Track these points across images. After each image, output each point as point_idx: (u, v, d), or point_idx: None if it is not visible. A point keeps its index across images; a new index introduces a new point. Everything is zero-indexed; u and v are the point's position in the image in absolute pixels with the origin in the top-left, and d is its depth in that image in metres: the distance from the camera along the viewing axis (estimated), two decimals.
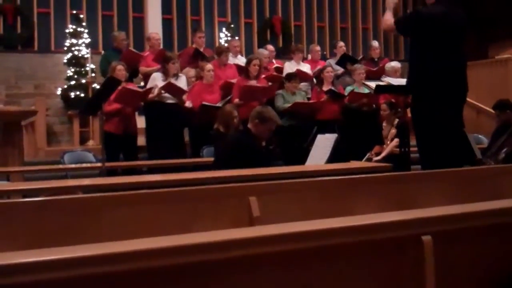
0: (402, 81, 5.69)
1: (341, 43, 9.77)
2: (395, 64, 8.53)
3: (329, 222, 1.89)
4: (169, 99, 7.34)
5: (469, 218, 2.10)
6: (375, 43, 9.89)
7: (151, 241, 1.68)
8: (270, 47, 9.65)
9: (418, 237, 1.92)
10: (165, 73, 7.33)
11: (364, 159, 7.43)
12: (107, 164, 5.74)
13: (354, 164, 5.23)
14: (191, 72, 8.10)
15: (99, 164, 5.81)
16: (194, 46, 8.78)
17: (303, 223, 1.90)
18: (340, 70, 8.97)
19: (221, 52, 8.45)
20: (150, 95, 7.22)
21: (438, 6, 4.86)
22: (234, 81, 7.98)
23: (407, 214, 2.04)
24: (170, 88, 7.21)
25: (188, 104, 7.51)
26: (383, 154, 7.47)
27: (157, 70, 7.60)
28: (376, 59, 9.47)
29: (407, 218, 1.96)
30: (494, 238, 2.18)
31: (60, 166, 6.28)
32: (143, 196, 2.67)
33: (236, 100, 7.55)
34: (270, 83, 8.18)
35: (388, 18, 5.10)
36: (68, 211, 2.49)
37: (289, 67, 8.99)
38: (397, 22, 5.02)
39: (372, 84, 5.86)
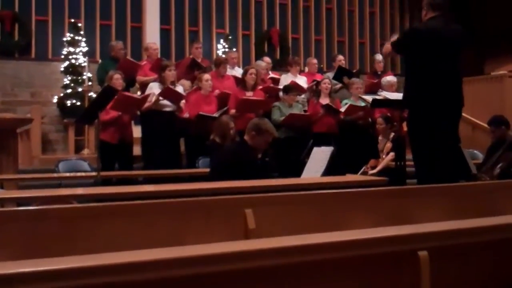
0: (399, 96, 5.70)
1: (340, 57, 9.81)
2: (391, 78, 8.57)
3: (325, 237, 1.88)
4: (166, 107, 7.32)
5: (465, 234, 2.09)
6: (379, 57, 9.92)
7: (145, 253, 1.66)
8: (267, 59, 9.67)
9: (414, 252, 1.91)
10: (162, 82, 7.32)
11: (360, 172, 7.43)
12: (102, 173, 5.70)
13: (349, 177, 5.22)
14: (187, 83, 8.09)
15: (94, 173, 5.79)
16: (191, 56, 8.78)
17: (298, 237, 1.89)
18: (338, 84, 8.98)
19: (220, 63, 8.45)
20: (147, 104, 7.20)
21: (434, 21, 4.89)
22: (230, 92, 7.99)
23: (404, 229, 2.04)
24: (168, 93, 7.19)
25: (185, 114, 7.50)
26: (378, 168, 7.46)
27: (154, 80, 7.58)
28: (379, 73, 9.51)
29: (404, 233, 1.96)
30: (489, 254, 2.18)
31: (55, 174, 6.24)
32: (137, 207, 2.65)
33: (233, 111, 7.54)
34: (266, 95, 8.18)
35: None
36: (61, 221, 2.47)
37: (286, 79, 9.00)
38: (394, 43, 5.06)
39: (369, 98, 5.87)
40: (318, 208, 2.99)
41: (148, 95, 7.20)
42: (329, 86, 8.41)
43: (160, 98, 7.19)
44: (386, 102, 5.87)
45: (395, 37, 5.22)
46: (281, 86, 8.57)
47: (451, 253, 2.06)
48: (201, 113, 7.37)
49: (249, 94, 7.82)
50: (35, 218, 2.44)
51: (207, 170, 5.82)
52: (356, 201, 3.19)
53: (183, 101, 7.49)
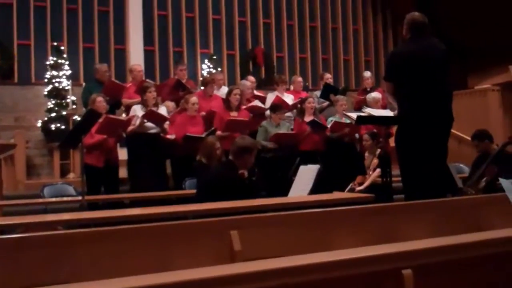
0: (383, 112, 5.75)
1: (328, 75, 9.91)
2: (376, 95, 8.64)
3: (310, 258, 1.88)
4: (151, 129, 7.32)
5: (449, 251, 2.11)
6: (367, 74, 10.04)
7: (131, 280, 1.66)
8: (251, 78, 9.69)
9: (398, 271, 1.92)
10: (145, 104, 7.33)
11: (347, 189, 7.45)
12: (87, 197, 5.68)
13: (336, 195, 5.24)
14: (171, 105, 8.09)
15: (79, 198, 5.75)
16: (176, 77, 8.80)
17: (282, 259, 1.89)
18: (326, 102, 9.02)
19: (207, 83, 8.49)
20: (131, 127, 7.20)
21: (414, 41, 4.97)
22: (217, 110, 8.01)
23: (387, 248, 2.05)
24: (151, 116, 7.20)
25: (170, 136, 7.49)
26: (365, 184, 7.50)
27: (138, 102, 7.57)
28: (368, 89, 9.58)
29: (387, 252, 1.97)
30: (475, 271, 2.19)
31: (40, 200, 6.20)
32: (121, 232, 2.65)
33: (219, 133, 7.54)
34: (251, 115, 8.20)
35: None
36: (45, 248, 2.45)
37: (272, 98, 9.03)
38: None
39: (354, 115, 5.90)
40: (304, 228, 3.00)
41: (132, 117, 7.20)
42: (314, 105, 8.45)
43: (144, 120, 7.19)
44: (371, 119, 5.90)
45: None
46: (267, 105, 8.59)
47: (436, 271, 2.07)
48: (188, 134, 7.38)
49: (234, 114, 7.84)
50: (16, 247, 2.41)
51: (194, 191, 5.81)
52: (342, 219, 3.20)
53: (167, 122, 7.49)
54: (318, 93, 9.31)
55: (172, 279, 1.71)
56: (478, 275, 2.19)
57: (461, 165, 8.83)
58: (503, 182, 3.27)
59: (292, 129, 8.45)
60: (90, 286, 1.71)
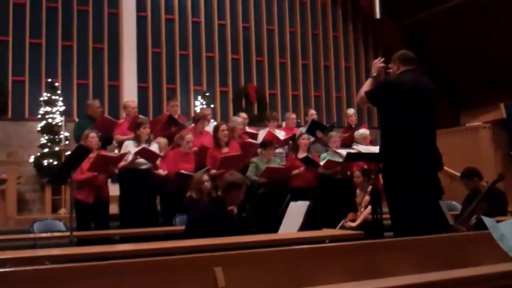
0: (372, 149, 5.77)
1: (312, 111, 9.94)
2: (364, 131, 8.70)
3: None
4: (143, 165, 7.32)
5: (432, 287, 2.10)
6: (351, 111, 10.08)
7: None
8: (243, 114, 9.73)
9: None
10: (137, 140, 7.35)
11: (339, 226, 7.43)
12: (76, 233, 5.65)
13: (326, 231, 5.22)
14: (163, 141, 8.11)
15: (67, 233, 5.72)
16: (167, 113, 8.85)
17: None
18: (311, 138, 9.03)
19: (198, 119, 8.54)
20: (123, 163, 7.21)
21: (406, 75, 4.99)
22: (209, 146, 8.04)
23: (370, 284, 2.05)
24: (144, 153, 7.22)
25: (162, 172, 7.50)
26: (357, 222, 7.47)
27: (131, 138, 7.58)
28: (353, 126, 9.63)
29: None
30: None
31: (29, 235, 6.16)
32: (107, 267, 2.64)
33: (214, 171, 7.52)
34: (244, 151, 8.22)
35: (363, 90, 5.22)
36: (34, 282, 2.44)
37: (263, 135, 9.06)
38: (369, 93, 5.12)
39: (343, 152, 5.92)
40: (290, 265, 2.98)
41: (124, 154, 7.21)
42: (307, 141, 8.47)
43: (137, 156, 7.20)
44: (360, 156, 5.92)
45: (366, 87, 5.26)
46: (259, 142, 8.62)
47: None
48: (181, 171, 7.38)
49: (225, 151, 7.85)
50: (5, 281, 2.40)
51: (184, 227, 5.79)
52: (329, 256, 3.18)
53: (159, 159, 7.50)
54: (303, 129, 9.32)
55: None
56: None
57: (453, 202, 8.82)
58: (486, 220, 3.27)
59: (283, 165, 8.45)
60: None
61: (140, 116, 8.61)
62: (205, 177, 6.52)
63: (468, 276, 2.28)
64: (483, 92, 12.63)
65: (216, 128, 8.07)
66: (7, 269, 2.64)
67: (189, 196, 6.50)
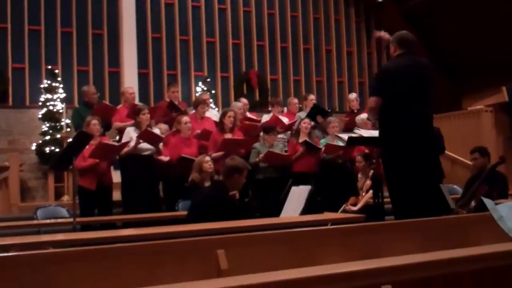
0: (374, 133, 5.81)
1: (312, 96, 9.95)
2: (365, 116, 8.69)
3: (287, 273, 1.93)
4: (145, 151, 7.37)
5: (430, 267, 2.15)
6: (352, 96, 10.09)
7: None
8: (244, 100, 9.76)
9: (378, 286, 1.97)
10: (138, 126, 7.40)
11: (340, 210, 7.50)
12: (79, 219, 5.72)
13: (327, 215, 5.28)
14: (163, 127, 8.15)
15: (70, 220, 5.79)
16: (168, 99, 8.88)
17: (261, 275, 1.94)
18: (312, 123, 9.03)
19: (198, 104, 8.56)
20: (126, 149, 7.25)
21: (403, 58, 5.04)
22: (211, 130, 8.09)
23: (367, 263, 2.10)
24: (146, 135, 7.25)
25: (164, 158, 7.54)
26: (359, 206, 7.55)
27: (131, 125, 7.61)
28: (355, 111, 9.64)
29: (367, 267, 2.02)
30: (453, 287, 2.23)
31: (32, 222, 6.24)
32: (110, 250, 2.69)
33: (214, 154, 7.56)
34: (246, 136, 8.26)
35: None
36: (37, 265, 2.49)
37: (267, 119, 9.10)
38: (370, 91, 5.21)
39: (345, 136, 5.98)
40: (291, 247, 3.04)
41: (126, 143, 7.24)
42: (309, 126, 8.49)
43: (140, 141, 7.23)
44: (362, 140, 5.97)
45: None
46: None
47: (415, 286, 2.11)
48: (183, 155, 7.42)
49: (228, 136, 7.89)
50: (11, 265, 2.45)
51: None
52: (330, 238, 3.24)
53: (162, 143, 7.54)
54: (302, 114, 9.35)
55: None
56: None
57: (454, 186, 8.86)
58: (486, 201, 3.32)
59: (286, 151, 8.50)
60: None
61: (139, 103, 8.64)
62: (207, 158, 6.57)
63: (468, 256, 2.32)
64: (485, 75, 12.61)
65: (223, 113, 8.12)
66: (12, 254, 2.70)
67: (192, 180, 6.54)
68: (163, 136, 7.64)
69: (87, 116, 7.51)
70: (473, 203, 5.91)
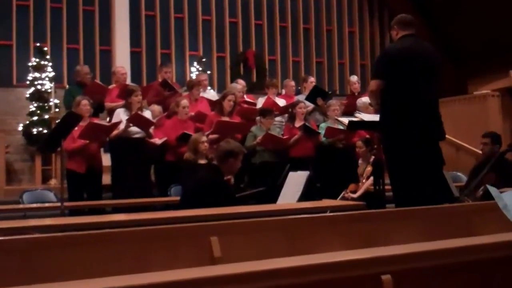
0: (375, 117, 5.79)
1: (312, 78, 9.92)
2: (366, 99, 8.66)
3: (284, 261, 1.93)
4: (136, 134, 7.35)
5: (430, 256, 2.15)
6: (354, 78, 10.09)
7: (109, 280, 1.71)
8: (242, 81, 9.72)
9: (377, 276, 1.97)
10: (128, 108, 7.36)
11: (339, 197, 7.50)
12: (67, 203, 5.70)
13: (325, 202, 5.29)
14: (157, 109, 8.12)
15: (58, 204, 5.78)
16: (161, 80, 8.85)
17: (257, 262, 1.94)
18: (310, 106, 9.04)
19: (192, 85, 8.53)
20: (116, 131, 7.23)
21: (406, 40, 5.03)
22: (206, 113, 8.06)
23: (366, 252, 2.10)
24: (137, 119, 7.23)
25: (157, 140, 7.51)
26: (358, 193, 7.56)
27: (122, 106, 7.59)
28: (356, 94, 9.63)
29: (366, 257, 2.02)
30: (456, 277, 2.24)
31: (18, 206, 6.23)
32: (100, 236, 2.69)
33: (212, 136, 7.53)
34: (243, 119, 8.24)
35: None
36: (24, 251, 2.49)
37: (262, 102, 9.08)
38: (372, 74, 5.19)
39: (345, 120, 5.96)
40: (287, 235, 3.04)
41: (117, 123, 7.22)
42: (305, 110, 8.48)
43: (130, 124, 7.21)
44: (363, 124, 5.96)
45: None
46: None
47: (416, 277, 2.11)
48: (185, 132, 7.38)
49: (226, 119, 7.86)
50: None
51: (179, 198, 5.85)
52: (329, 226, 3.24)
53: (153, 127, 7.52)
54: (301, 97, 9.32)
55: (148, 281, 1.76)
56: (460, 282, 2.24)
57: (458, 173, 8.87)
58: (491, 189, 3.32)
59: (282, 135, 8.49)
60: (67, 286, 1.75)
61: (131, 83, 8.59)
62: (204, 138, 6.53)
63: (471, 245, 2.33)
64: (491, 59, 12.57)
65: (224, 96, 8.07)
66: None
67: (186, 159, 6.49)
68: (156, 119, 7.61)
69: None
70: (480, 192, 5.90)
